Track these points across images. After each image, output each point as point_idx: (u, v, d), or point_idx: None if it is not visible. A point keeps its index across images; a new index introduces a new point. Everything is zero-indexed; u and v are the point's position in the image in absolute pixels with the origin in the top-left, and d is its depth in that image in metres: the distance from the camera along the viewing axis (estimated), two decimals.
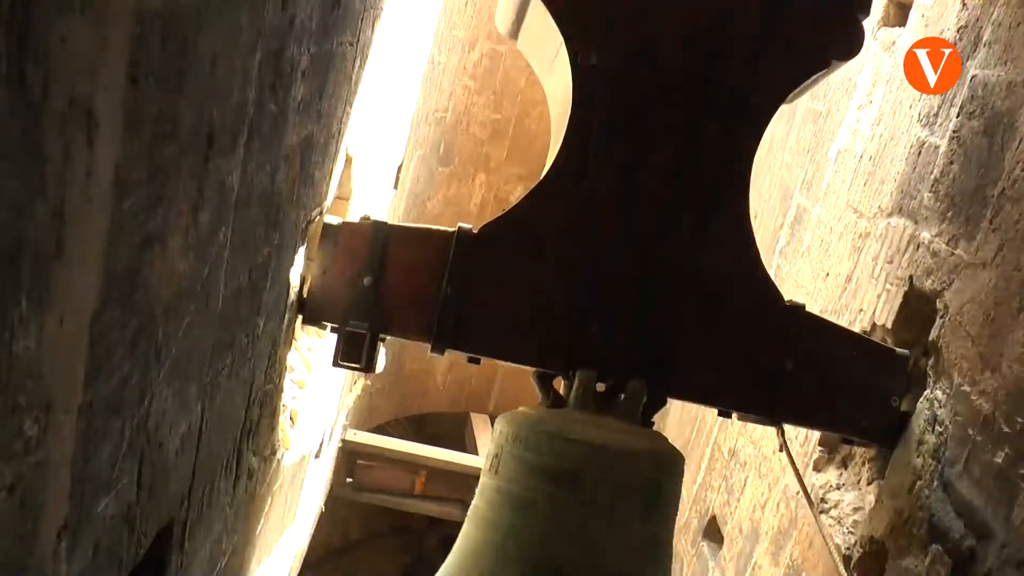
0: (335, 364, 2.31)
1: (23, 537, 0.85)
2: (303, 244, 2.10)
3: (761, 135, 2.38)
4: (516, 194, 7.78)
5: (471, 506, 2.36)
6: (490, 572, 2.23)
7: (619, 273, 2.29)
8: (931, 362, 2.42)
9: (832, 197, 3.46)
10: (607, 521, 2.23)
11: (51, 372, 0.82)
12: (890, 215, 2.86)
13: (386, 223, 2.26)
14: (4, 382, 0.74)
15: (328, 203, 2.41)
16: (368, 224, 2.25)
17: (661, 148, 2.28)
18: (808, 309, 2.47)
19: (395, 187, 5.21)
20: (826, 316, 2.59)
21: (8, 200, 0.69)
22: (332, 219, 2.25)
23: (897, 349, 2.46)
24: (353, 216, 2.33)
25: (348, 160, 2.67)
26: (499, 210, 2.63)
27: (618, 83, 2.23)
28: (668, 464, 2.35)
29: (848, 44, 2.29)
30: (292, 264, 2.01)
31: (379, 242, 2.21)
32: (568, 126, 2.24)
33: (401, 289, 2.25)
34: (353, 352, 2.25)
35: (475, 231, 2.26)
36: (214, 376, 1.48)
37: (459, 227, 2.25)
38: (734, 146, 2.31)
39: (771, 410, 2.41)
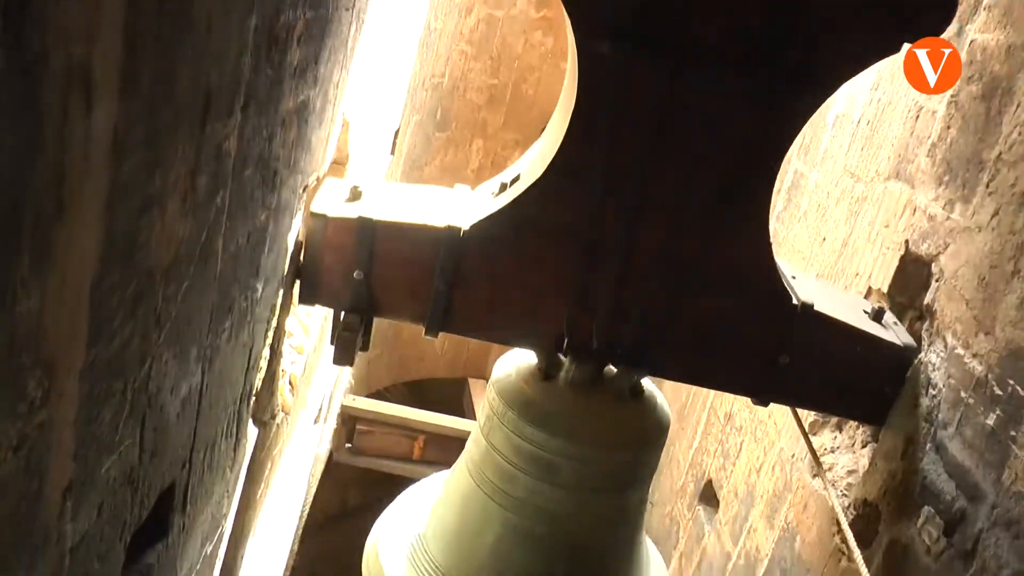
0: (332, 342, 2.32)
1: (29, 497, 0.87)
2: (301, 209, 2.10)
3: (801, 128, 2.14)
4: (513, 159, 7.74)
5: (466, 448, 2.47)
6: (474, 517, 2.41)
7: (618, 266, 2.19)
8: (926, 325, 2.44)
9: (829, 162, 3.46)
10: (578, 500, 2.36)
11: (54, 333, 0.83)
12: (887, 179, 2.86)
13: (371, 219, 2.16)
14: (8, 343, 0.75)
15: (325, 168, 2.41)
16: (354, 220, 2.16)
17: (680, 145, 2.06)
18: (805, 274, 2.48)
19: (392, 153, 5.19)
20: (822, 280, 2.60)
21: (8, 162, 0.69)
22: (318, 209, 2.17)
23: (904, 344, 2.39)
24: (347, 183, 2.31)
25: (345, 125, 2.67)
26: (496, 175, 2.55)
27: (631, 74, 1.96)
28: (648, 445, 2.42)
29: (941, 13, 1.95)
30: (290, 229, 2.01)
31: (366, 238, 2.16)
32: (570, 121, 2.05)
33: (392, 281, 2.23)
34: (350, 331, 2.25)
35: (465, 230, 2.16)
36: (214, 340, 1.49)
37: (448, 226, 2.16)
38: (769, 139, 2.08)
39: (761, 396, 2.44)
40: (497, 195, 2.31)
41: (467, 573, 2.41)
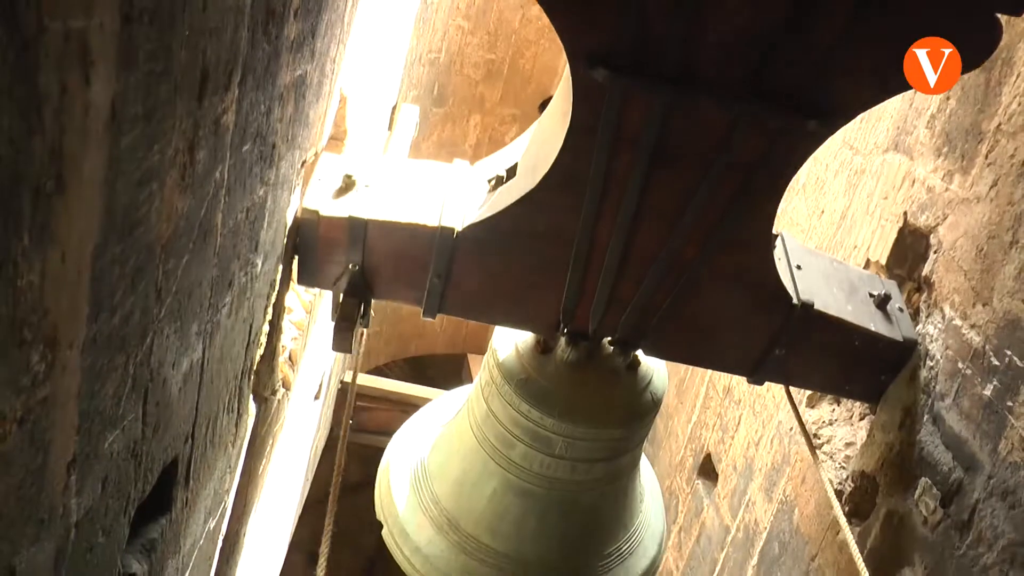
0: (332, 319, 2.33)
1: (34, 471, 0.87)
2: (299, 184, 2.10)
3: (815, 150, 2.00)
4: (511, 135, 7.73)
5: (467, 400, 2.54)
6: (474, 469, 2.54)
7: (614, 268, 2.17)
8: (923, 297, 2.44)
9: None
10: (571, 466, 2.46)
11: (55, 307, 0.83)
12: (886, 151, 2.86)
13: (362, 218, 2.14)
14: (10, 316, 0.75)
15: (323, 143, 2.40)
16: (344, 219, 2.15)
17: (681, 163, 1.97)
18: (804, 242, 2.48)
19: (389, 128, 5.17)
20: (821, 253, 2.60)
21: (6, 136, 0.69)
22: (311, 204, 2.15)
23: (904, 338, 2.37)
24: (341, 166, 2.29)
25: (342, 100, 2.65)
26: (493, 151, 2.53)
27: (628, 99, 1.86)
28: (640, 418, 2.48)
29: (981, 45, 1.79)
30: (288, 205, 2.01)
31: (359, 235, 2.16)
32: (566, 136, 1.96)
33: (388, 272, 2.24)
34: (348, 319, 2.26)
35: (458, 231, 2.15)
36: (214, 315, 1.49)
37: (441, 227, 2.14)
38: (777, 160, 1.97)
39: (756, 377, 2.45)
40: (493, 187, 2.29)
41: (466, 517, 2.55)
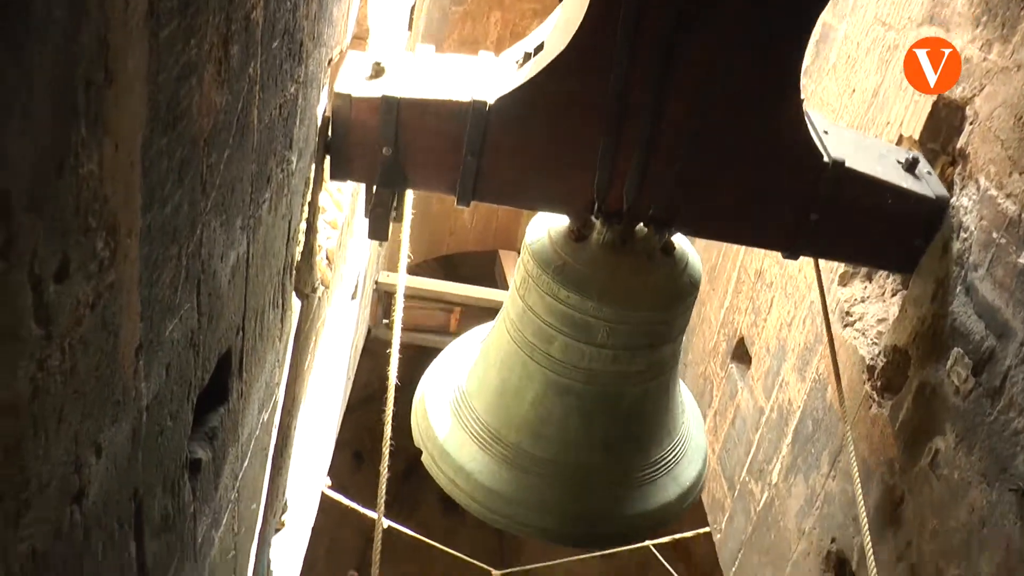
0: (367, 215, 2.36)
1: (107, 353, 0.93)
2: (326, 83, 2.10)
3: None
4: (532, 28, 7.56)
5: (503, 309, 2.56)
6: (514, 376, 2.53)
7: (646, 135, 2.17)
8: (958, 170, 2.42)
9: (859, 12, 3.35)
10: (613, 355, 2.44)
11: (113, 196, 0.87)
12: (920, 26, 2.79)
13: (395, 97, 2.15)
14: (75, 205, 0.79)
15: (347, 42, 2.39)
16: (376, 100, 2.15)
17: (710, 14, 2.00)
18: (837, 126, 2.46)
19: (409, 28, 5.09)
20: (855, 131, 2.57)
21: (58, 31, 0.72)
22: (342, 89, 2.16)
23: (936, 195, 2.38)
24: (369, 57, 2.29)
25: None
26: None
27: None
28: (679, 301, 2.47)
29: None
30: (318, 102, 2.02)
31: (391, 116, 2.15)
32: (590, 7, 2.00)
33: (420, 155, 2.23)
34: (382, 206, 2.28)
35: (491, 103, 2.16)
36: (255, 210, 1.53)
37: (473, 101, 2.15)
38: (800, 14, 2.03)
39: (791, 251, 2.45)
40: (521, 65, 2.29)
41: (508, 427, 2.53)
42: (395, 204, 2.28)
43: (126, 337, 0.97)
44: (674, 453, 2.69)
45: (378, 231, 2.27)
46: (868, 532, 2.34)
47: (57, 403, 0.81)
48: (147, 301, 1.02)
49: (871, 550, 2.30)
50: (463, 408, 2.63)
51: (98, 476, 0.96)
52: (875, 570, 2.24)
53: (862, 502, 2.39)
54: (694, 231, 2.47)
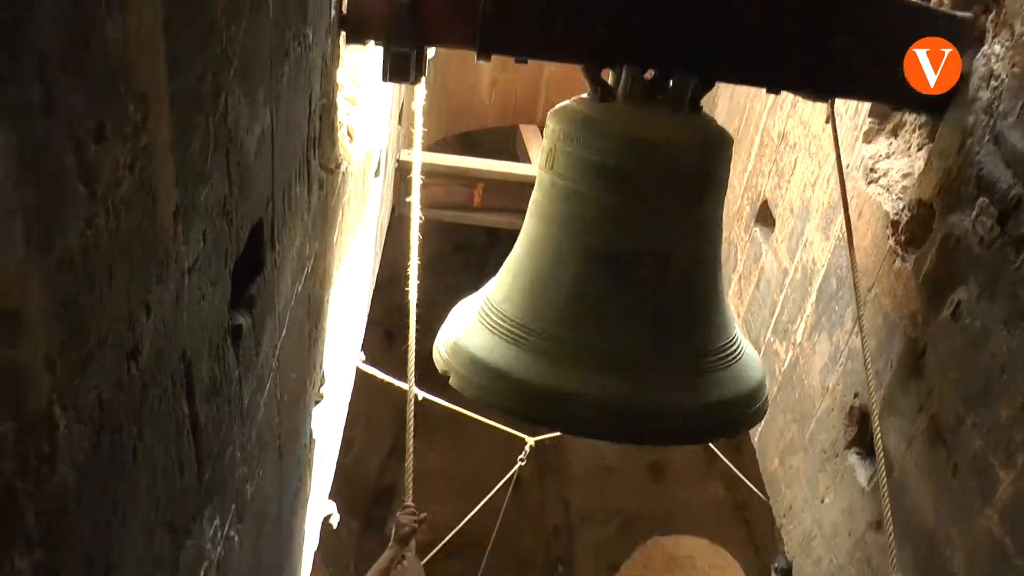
0: (384, 80, 2.34)
1: (147, 215, 0.96)
2: None
3: None
4: None
5: (531, 198, 2.50)
6: (548, 261, 2.41)
7: None
8: (991, 17, 2.36)
9: None
10: (654, 210, 2.35)
11: (140, 63, 0.89)
12: None
13: None
14: (107, 70, 0.81)
15: None
16: None
17: None
18: None
19: None
20: None
21: None
22: None
23: (959, 13, 2.37)
24: None
25: None
26: None
27: None
28: (714, 150, 2.41)
29: None
30: None
31: None
32: None
33: (439, 4, 2.21)
34: (400, 68, 2.27)
35: None
36: (276, 83, 1.54)
37: None
38: None
39: (822, 86, 2.41)
40: None
41: (545, 316, 2.35)
42: (415, 63, 2.27)
43: (163, 200, 1.01)
44: (734, 347, 2.48)
45: (397, 74, 2.26)
46: (871, 373, 2.40)
47: (106, 260, 0.85)
48: (180, 166, 1.05)
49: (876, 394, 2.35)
50: (493, 317, 2.43)
51: (148, 334, 1.01)
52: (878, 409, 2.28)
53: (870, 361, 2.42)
54: (718, 72, 2.43)
